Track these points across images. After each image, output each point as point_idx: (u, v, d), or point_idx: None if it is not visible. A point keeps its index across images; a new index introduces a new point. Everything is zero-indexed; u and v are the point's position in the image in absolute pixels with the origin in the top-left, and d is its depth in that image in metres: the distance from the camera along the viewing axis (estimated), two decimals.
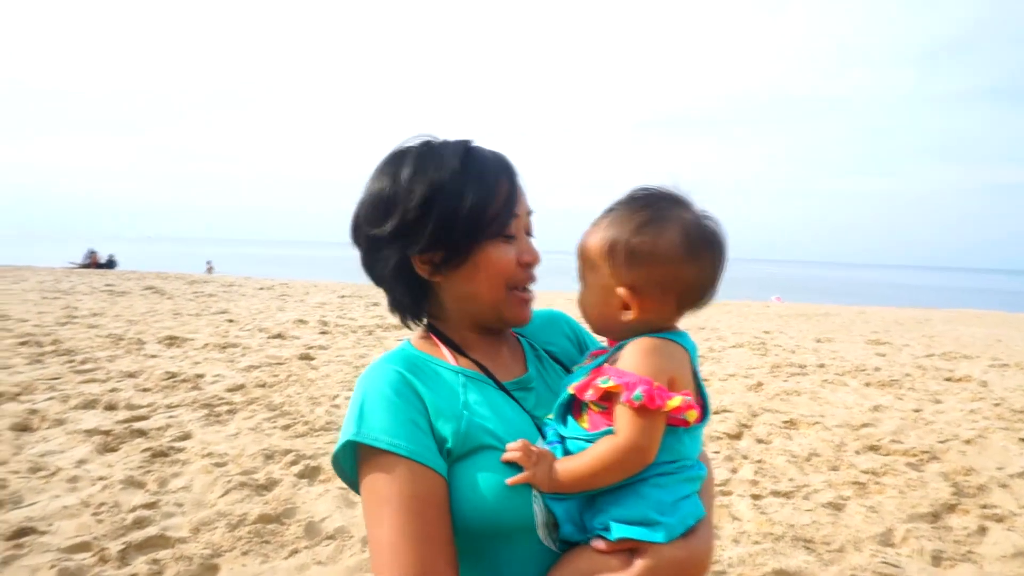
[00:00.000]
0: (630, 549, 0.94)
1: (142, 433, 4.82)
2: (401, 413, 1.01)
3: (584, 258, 1.06)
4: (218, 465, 4.27)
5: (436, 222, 1.06)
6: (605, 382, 0.96)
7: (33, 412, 5.18)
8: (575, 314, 1.31)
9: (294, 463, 4.36)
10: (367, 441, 0.99)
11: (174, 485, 3.96)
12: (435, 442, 1.01)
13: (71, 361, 7.12)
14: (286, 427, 5.14)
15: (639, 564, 0.92)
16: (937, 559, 3.41)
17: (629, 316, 1.03)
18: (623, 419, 0.94)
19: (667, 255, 1.00)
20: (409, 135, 1.13)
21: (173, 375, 6.63)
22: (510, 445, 0.98)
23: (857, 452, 5.09)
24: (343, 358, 8.11)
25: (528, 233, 1.14)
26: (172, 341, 8.68)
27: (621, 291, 1.02)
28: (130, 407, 5.48)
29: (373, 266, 1.15)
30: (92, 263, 27.22)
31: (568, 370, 1.21)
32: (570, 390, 1.02)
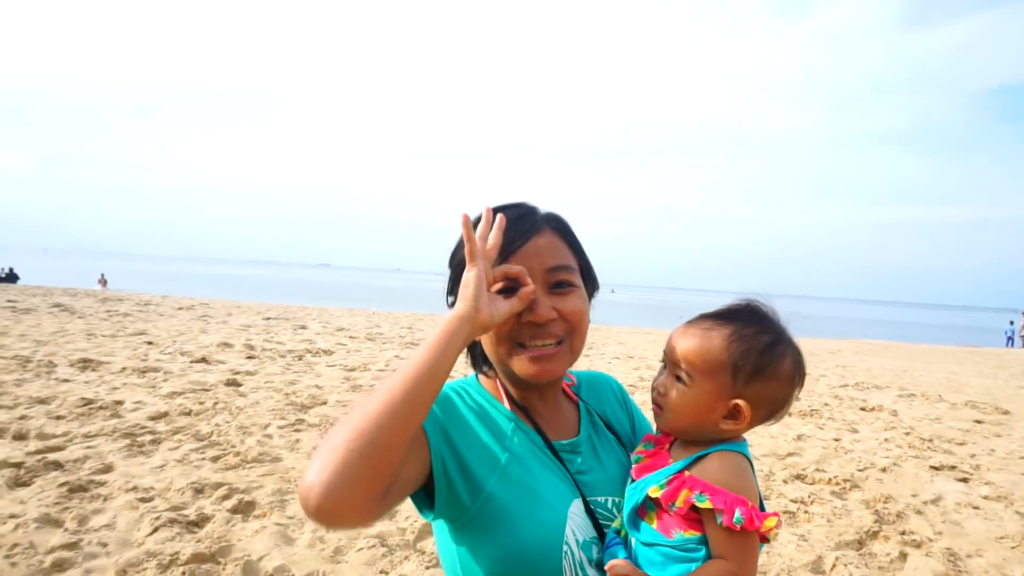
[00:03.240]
0: None
1: (58, 465, 4.51)
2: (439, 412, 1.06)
3: (699, 362, 1.06)
4: (144, 500, 4.04)
5: (451, 278, 1.18)
6: (701, 499, 0.98)
7: None
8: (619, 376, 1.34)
9: (226, 497, 4.17)
10: None
11: (96, 523, 3.71)
12: (456, 460, 1.05)
13: None
14: (215, 458, 4.91)
15: None
16: None
17: (731, 426, 1.06)
18: (726, 543, 0.97)
19: (784, 378, 1.08)
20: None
21: (89, 401, 6.24)
22: (614, 563, 0.98)
23: (785, 481, 5.29)
24: (272, 384, 7.85)
25: (559, 286, 1.12)
26: (86, 364, 8.19)
27: (740, 403, 1.05)
28: (42, 436, 5.12)
29: None
30: None
31: (619, 438, 1.24)
32: (652, 494, 1.03)
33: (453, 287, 1.17)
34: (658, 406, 1.11)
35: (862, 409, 8.67)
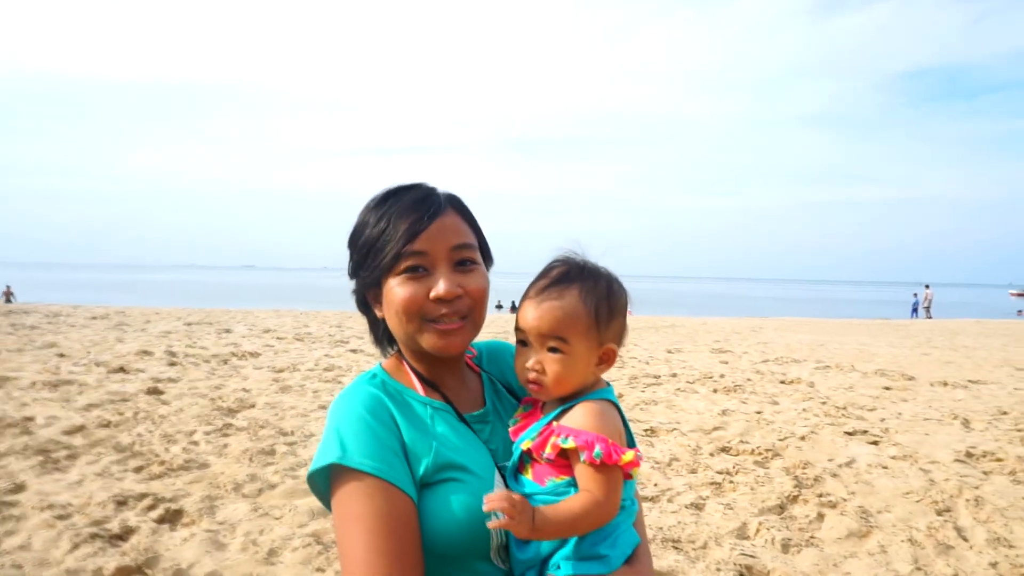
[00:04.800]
0: None
1: None
2: (379, 436, 1.06)
3: (570, 327, 1.11)
4: (61, 517, 3.84)
5: (353, 259, 1.21)
6: (565, 442, 1.05)
7: None
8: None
9: (152, 508, 4.02)
10: (349, 464, 1.03)
11: (9, 545, 3.51)
12: (408, 467, 1.07)
13: None
14: (139, 469, 4.73)
15: None
16: (786, 546, 3.77)
17: (604, 369, 1.15)
18: (589, 477, 1.05)
19: (625, 307, 1.18)
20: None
21: None
22: (489, 496, 1.00)
23: (711, 454, 5.51)
24: (197, 391, 7.59)
25: (463, 264, 1.16)
26: None
27: (612, 347, 1.15)
28: None
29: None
30: None
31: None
32: (524, 448, 1.11)
33: (357, 269, 1.20)
34: (537, 384, 1.14)
35: (782, 382, 9.10)
